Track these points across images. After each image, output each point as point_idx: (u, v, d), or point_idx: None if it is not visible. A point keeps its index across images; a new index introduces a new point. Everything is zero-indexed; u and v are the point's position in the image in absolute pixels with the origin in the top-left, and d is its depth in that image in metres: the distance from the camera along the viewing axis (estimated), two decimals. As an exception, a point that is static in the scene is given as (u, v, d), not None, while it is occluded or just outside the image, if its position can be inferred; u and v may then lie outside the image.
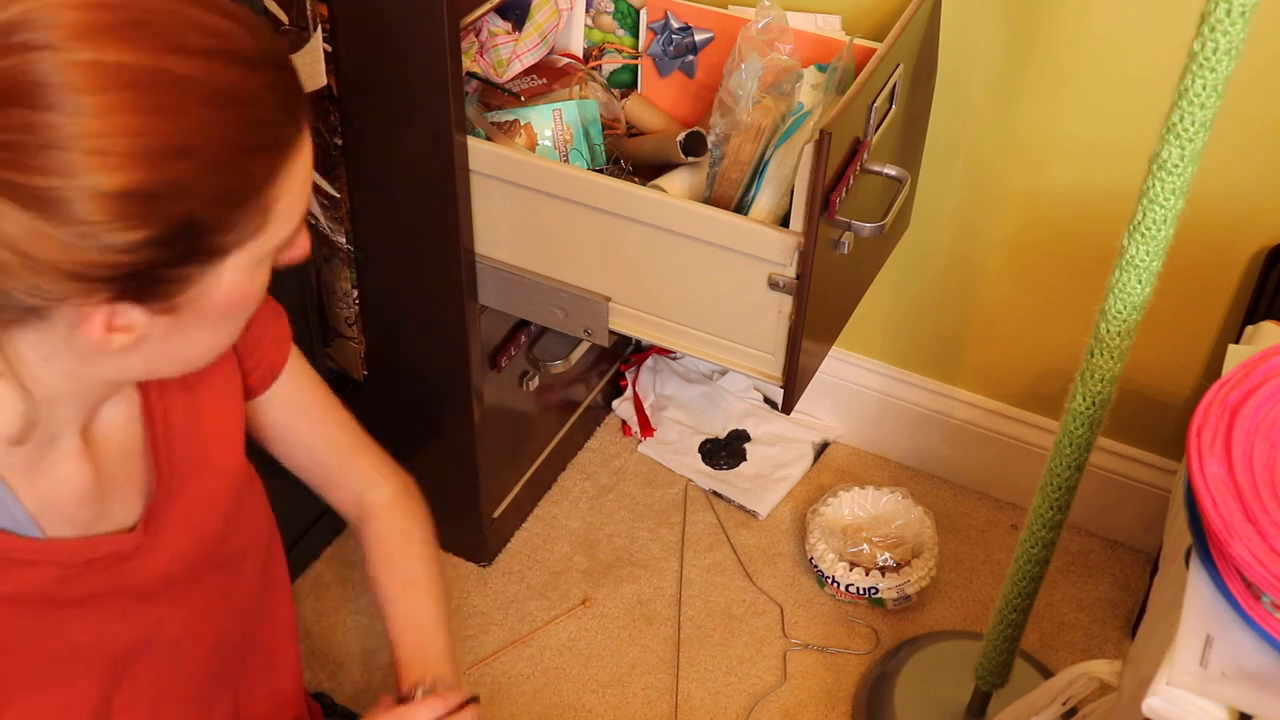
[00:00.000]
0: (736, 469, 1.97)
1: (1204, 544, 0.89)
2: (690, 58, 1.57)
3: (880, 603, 1.75)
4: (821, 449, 2.02)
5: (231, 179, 0.71)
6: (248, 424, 1.05)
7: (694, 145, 1.44)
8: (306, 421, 1.11)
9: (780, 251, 1.28)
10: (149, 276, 0.71)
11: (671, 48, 1.57)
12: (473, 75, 1.48)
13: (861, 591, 1.74)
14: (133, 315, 0.73)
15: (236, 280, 0.76)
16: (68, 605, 0.87)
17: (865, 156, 1.32)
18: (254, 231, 0.74)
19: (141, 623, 0.92)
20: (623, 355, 2.08)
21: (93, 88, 0.66)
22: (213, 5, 0.71)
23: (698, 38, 1.55)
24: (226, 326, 0.81)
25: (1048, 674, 1.65)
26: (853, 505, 1.85)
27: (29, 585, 0.84)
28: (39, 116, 0.65)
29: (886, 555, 1.77)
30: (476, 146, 1.37)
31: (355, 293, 1.55)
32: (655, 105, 1.61)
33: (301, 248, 0.82)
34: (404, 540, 1.17)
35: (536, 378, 1.73)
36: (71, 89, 0.65)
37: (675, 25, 1.55)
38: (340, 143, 1.43)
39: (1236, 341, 1.43)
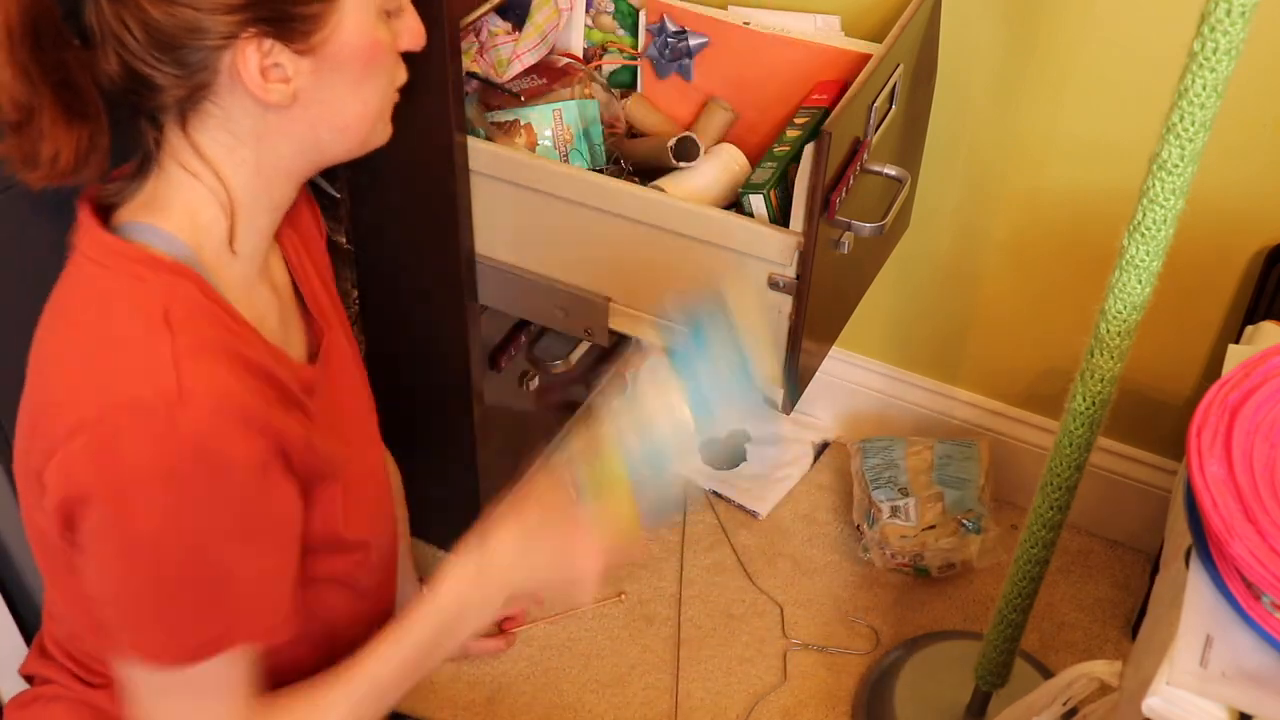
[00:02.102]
0: (736, 469, 1.97)
1: (1204, 544, 0.89)
2: (686, 61, 1.57)
3: (925, 572, 1.74)
4: (821, 449, 2.02)
5: None
6: None
7: (685, 150, 1.44)
8: None
9: (780, 251, 1.28)
10: (280, 10, 0.83)
11: (668, 51, 1.57)
12: (473, 75, 1.48)
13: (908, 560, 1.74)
14: (281, 56, 0.84)
15: (360, 22, 0.87)
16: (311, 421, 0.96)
17: (865, 156, 1.32)
18: None
19: (344, 450, 1.01)
20: (623, 355, 2.08)
21: None
22: None
23: (692, 42, 1.55)
24: (367, 83, 0.91)
25: (1048, 674, 1.65)
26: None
27: (283, 378, 0.91)
28: None
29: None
30: (476, 146, 1.37)
31: (355, 293, 1.55)
32: (655, 105, 1.61)
33: (417, 34, 0.95)
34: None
35: (536, 378, 1.73)
36: None
37: (671, 29, 1.55)
38: (340, 143, 1.43)
39: (1236, 341, 1.43)
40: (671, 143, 1.44)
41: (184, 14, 0.81)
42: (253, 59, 0.84)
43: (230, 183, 0.90)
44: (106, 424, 0.80)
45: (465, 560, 0.99)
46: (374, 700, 0.98)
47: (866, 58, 1.38)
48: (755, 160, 1.54)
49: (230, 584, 0.86)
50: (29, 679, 1.12)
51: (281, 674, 0.98)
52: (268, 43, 0.84)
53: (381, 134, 0.98)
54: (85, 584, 0.87)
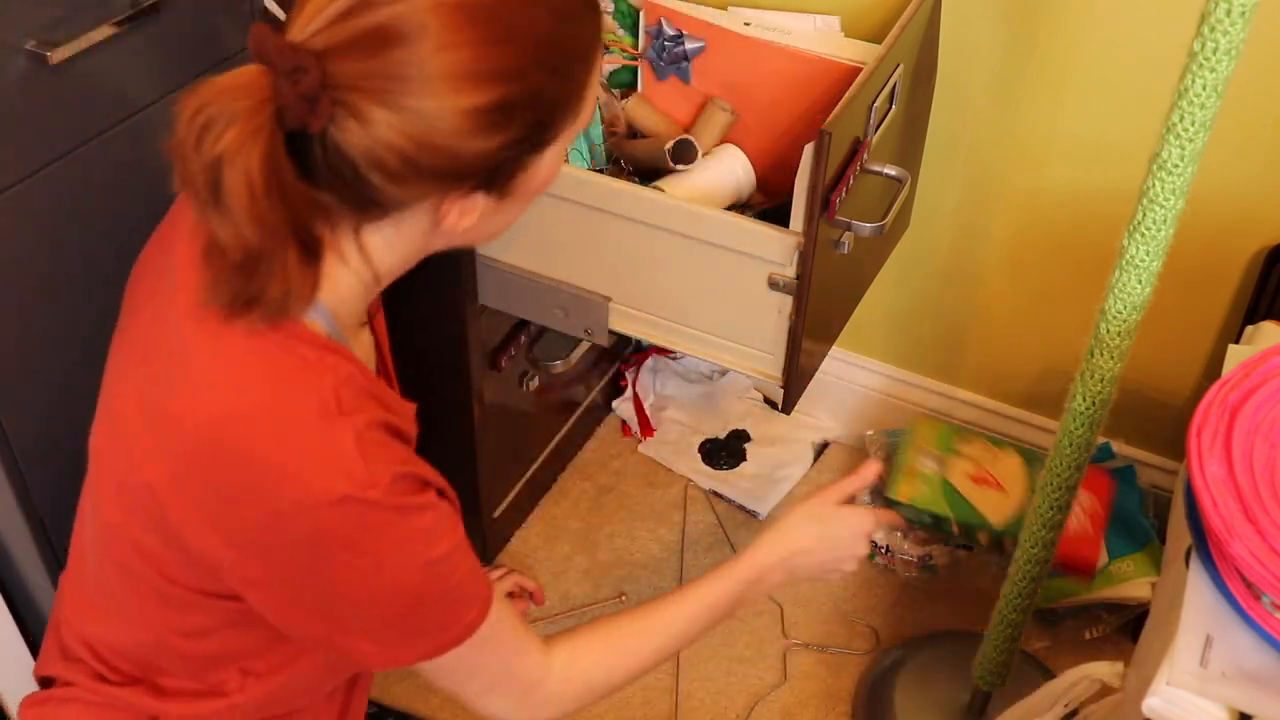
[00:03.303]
0: (736, 469, 1.97)
1: (1204, 544, 0.89)
2: (684, 64, 1.57)
3: (933, 570, 1.74)
4: (821, 449, 2.02)
5: (565, 83, 0.87)
6: None
7: (683, 153, 1.44)
8: None
9: (780, 251, 1.28)
10: (502, 171, 0.88)
11: (665, 54, 1.57)
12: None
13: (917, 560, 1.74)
14: (479, 201, 0.90)
15: (553, 164, 0.93)
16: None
17: (865, 156, 1.32)
18: (571, 121, 0.90)
19: None
20: (623, 355, 2.08)
21: (449, 26, 0.80)
22: None
23: (689, 46, 1.55)
24: (527, 205, 0.97)
25: (1048, 674, 1.65)
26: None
27: (390, 419, 0.95)
28: (411, 53, 0.80)
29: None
30: (476, 146, 1.37)
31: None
32: (656, 106, 1.61)
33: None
34: None
35: (536, 378, 1.73)
36: (433, 29, 0.80)
37: (668, 33, 1.55)
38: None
39: (1236, 341, 1.43)
40: (669, 145, 1.44)
41: (402, 169, 0.84)
42: (456, 205, 0.89)
43: (380, 269, 0.95)
44: (306, 517, 0.85)
45: (776, 541, 1.19)
46: (664, 650, 1.11)
47: (859, 69, 1.38)
48: (754, 162, 1.54)
49: (456, 585, 0.95)
50: (44, 681, 1.12)
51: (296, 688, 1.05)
52: (475, 195, 0.89)
53: None
54: (266, 616, 0.93)
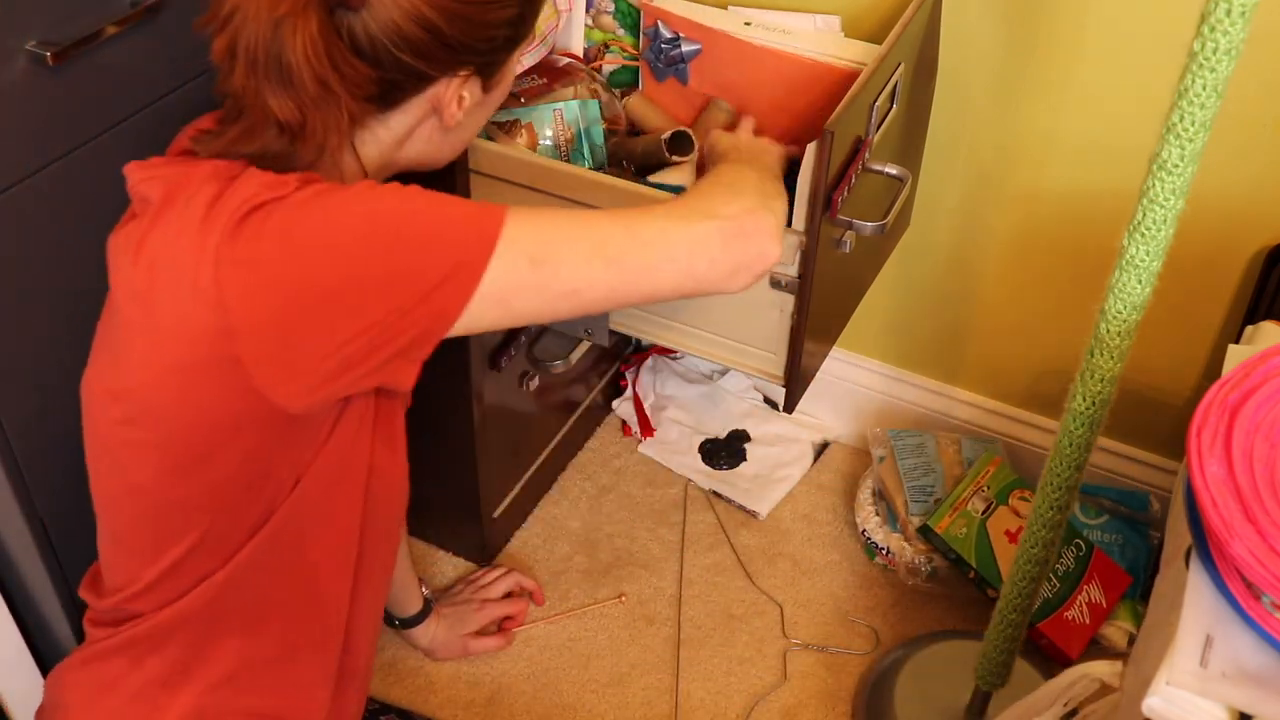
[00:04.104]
0: (736, 469, 1.97)
1: (1204, 544, 0.89)
2: (682, 66, 1.57)
3: (935, 573, 1.75)
4: (821, 449, 2.02)
5: None
6: None
7: (680, 144, 1.44)
8: None
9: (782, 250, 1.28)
10: (496, 55, 1.02)
11: (663, 57, 1.57)
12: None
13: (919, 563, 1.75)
14: (474, 90, 1.03)
15: (511, 73, 1.07)
16: None
17: (867, 155, 1.32)
18: (530, 27, 1.04)
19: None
20: (623, 355, 2.08)
21: None
22: None
23: (685, 49, 1.55)
24: (481, 121, 1.11)
25: (1048, 674, 1.65)
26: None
27: None
28: None
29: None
30: (477, 146, 1.37)
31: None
32: (657, 104, 1.61)
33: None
34: None
35: (536, 378, 1.73)
36: None
37: (665, 35, 1.55)
38: (340, 142, 1.43)
39: (1236, 341, 1.43)
40: (666, 136, 1.43)
41: (431, 44, 0.96)
42: (455, 89, 1.01)
43: (367, 171, 1.05)
44: (248, 215, 0.92)
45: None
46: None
47: (856, 73, 1.37)
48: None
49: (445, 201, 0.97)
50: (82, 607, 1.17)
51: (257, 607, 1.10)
52: (475, 79, 1.02)
53: None
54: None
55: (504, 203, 0.96)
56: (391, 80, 0.97)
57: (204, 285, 0.91)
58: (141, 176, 0.98)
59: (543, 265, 0.95)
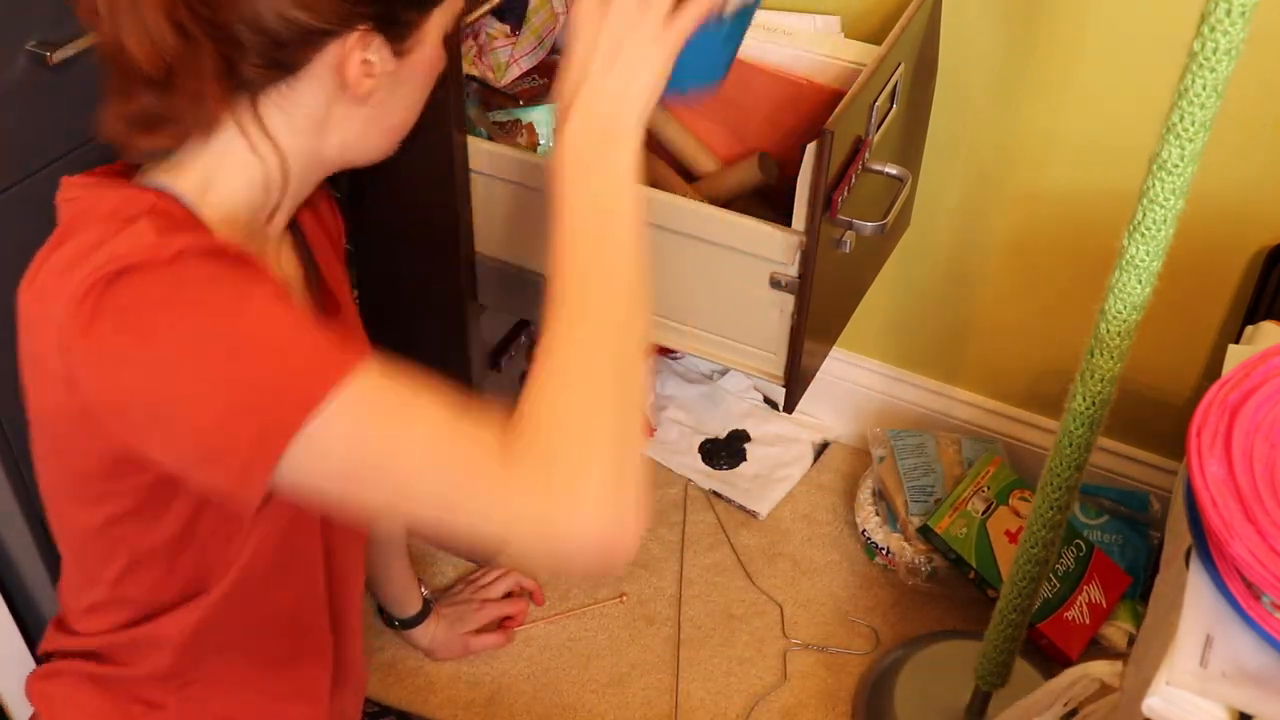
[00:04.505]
0: (736, 469, 1.97)
1: (1204, 544, 0.89)
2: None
3: (934, 574, 1.75)
4: (821, 449, 2.02)
5: None
6: None
7: (768, 167, 1.49)
8: None
9: (782, 250, 1.28)
10: (395, 10, 0.90)
11: None
12: (471, 79, 1.48)
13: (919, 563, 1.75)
14: (379, 55, 0.90)
15: (435, 40, 0.95)
16: None
17: (867, 155, 1.32)
18: None
19: None
20: (623, 355, 2.08)
21: None
22: None
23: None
24: (419, 95, 0.98)
25: (1048, 674, 1.65)
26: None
27: None
28: None
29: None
30: (477, 146, 1.37)
31: (355, 293, 1.55)
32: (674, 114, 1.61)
33: (445, 59, 1.00)
34: None
35: (537, 378, 1.73)
36: None
37: None
38: (340, 142, 1.43)
39: (1236, 341, 1.42)
40: (757, 157, 1.48)
41: None
42: (357, 51, 0.89)
43: (288, 160, 0.94)
44: (106, 284, 0.81)
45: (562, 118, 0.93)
46: (599, 330, 0.90)
47: (844, 92, 1.37)
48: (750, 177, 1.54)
49: (292, 343, 0.83)
50: (46, 656, 1.13)
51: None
52: (376, 39, 0.90)
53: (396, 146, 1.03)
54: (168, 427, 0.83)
55: (355, 360, 0.83)
56: (269, 32, 0.85)
57: (55, 362, 0.85)
58: (63, 196, 0.92)
59: (345, 479, 0.82)
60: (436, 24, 0.94)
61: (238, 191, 0.93)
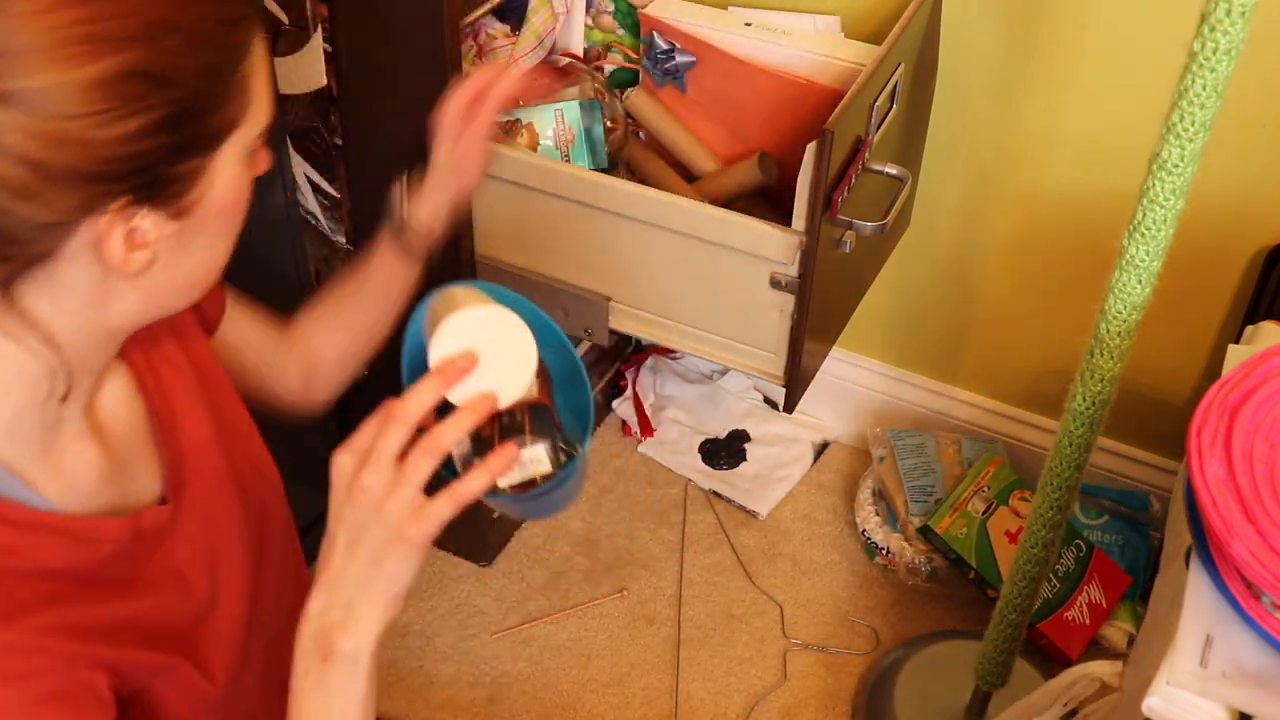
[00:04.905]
0: (736, 469, 1.97)
1: (1204, 544, 0.89)
2: (679, 75, 1.57)
3: (934, 574, 1.75)
4: (821, 449, 2.02)
5: (216, 52, 0.73)
6: None
7: (768, 166, 1.48)
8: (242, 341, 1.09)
9: (782, 250, 1.28)
10: (157, 172, 0.72)
11: (659, 66, 1.57)
12: (472, 77, 1.48)
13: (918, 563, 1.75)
14: (148, 223, 0.74)
15: (232, 175, 0.77)
16: (134, 585, 0.85)
17: (867, 155, 1.32)
18: (240, 112, 0.76)
19: (202, 592, 0.90)
20: (623, 355, 2.08)
21: None
22: None
23: (679, 60, 1.55)
24: (224, 238, 0.81)
25: (1048, 674, 1.65)
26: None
27: (88, 563, 0.81)
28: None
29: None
30: (477, 146, 1.37)
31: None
32: (658, 98, 1.61)
33: (268, 158, 0.83)
34: None
35: (537, 378, 1.73)
36: None
37: (661, 46, 1.55)
38: (340, 142, 1.43)
39: (1236, 341, 1.43)
40: (757, 158, 1.49)
41: (26, 178, 0.69)
42: (118, 226, 0.72)
43: (62, 342, 0.78)
44: None
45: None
46: None
47: (843, 91, 1.37)
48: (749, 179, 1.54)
49: None
50: None
51: None
52: (136, 210, 0.73)
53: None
54: None
55: None
56: (7, 238, 0.71)
57: None
58: None
59: None
60: (230, 156, 0.77)
61: (10, 395, 0.78)
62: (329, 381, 1.19)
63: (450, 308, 0.81)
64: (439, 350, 0.79)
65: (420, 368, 0.81)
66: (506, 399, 0.80)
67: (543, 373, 0.85)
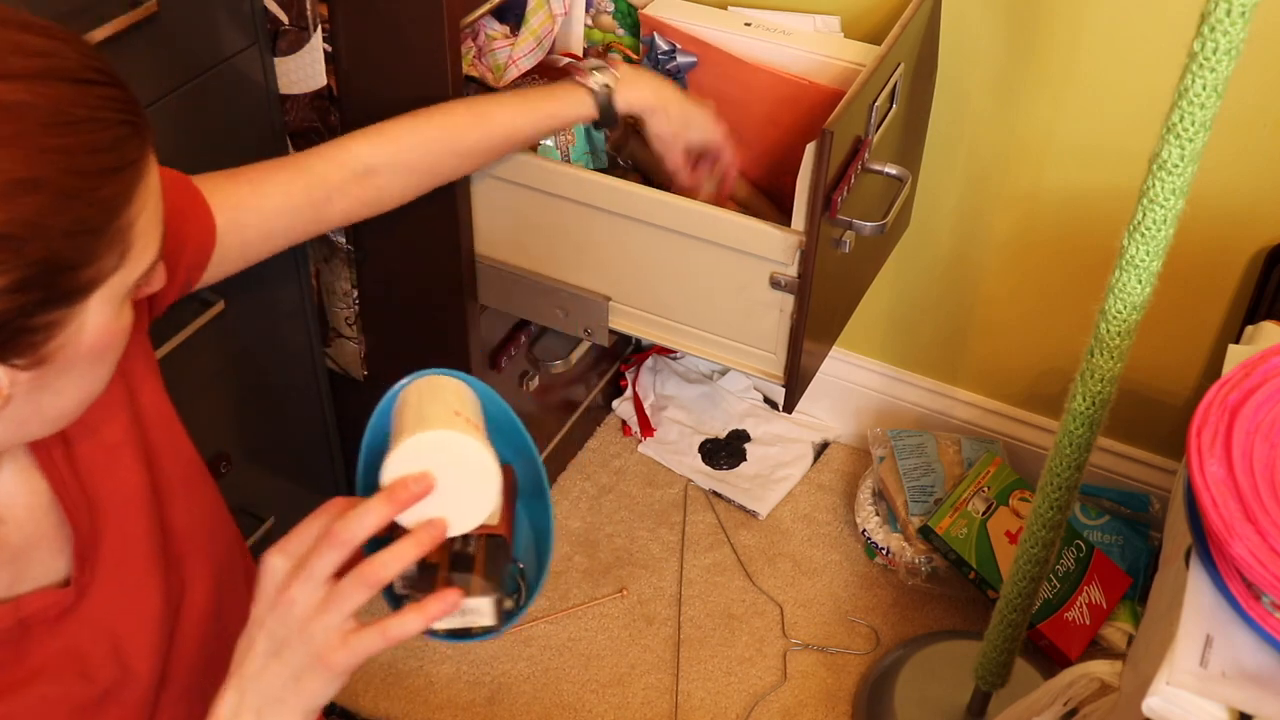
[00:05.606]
0: (736, 469, 1.97)
1: (1204, 544, 0.89)
2: (679, 76, 1.57)
3: (935, 573, 1.75)
4: (821, 449, 2.02)
5: (86, 207, 0.66)
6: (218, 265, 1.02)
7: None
8: (259, 218, 1.07)
9: (782, 250, 1.28)
10: (11, 328, 0.66)
11: (659, 67, 1.57)
12: (470, 79, 1.48)
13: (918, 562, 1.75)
14: (11, 376, 0.68)
15: (102, 320, 0.71)
16: (19, 673, 0.80)
17: (866, 155, 1.32)
18: (116, 263, 0.69)
19: (106, 673, 0.85)
20: (623, 355, 2.08)
21: None
22: (27, 23, 0.66)
23: (680, 60, 1.55)
24: (97, 372, 0.74)
25: (1048, 674, 1.65)
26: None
27: None
28: None
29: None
30: (477, 146, 1.37)
31: (355, 293, 1.55)
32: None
33: (161, 277, 0.77)
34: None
35: (536, 378, 1.73)
36: None
37: (662, 47, 1.55)
38: (340, 143, 1.43)
39: (1236, 341, 1.42)
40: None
41: None
42: None
43: None
44: None
45: None
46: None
47: (843, 92, 1.37)
48: (747, 172, 1.54)
49: None
50: None
51: None
52: None
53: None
54: None
55: None
56: None
57: None
58: None
59: None
60: (102, 301, 0.70)
61: None
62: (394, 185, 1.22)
63: (420, 421, 0.76)
64: (395, 468, 0.75)
65: (378, 458, 0.77)
66: (459, 530, 0.77)
67: (509, 484, 0.81)
